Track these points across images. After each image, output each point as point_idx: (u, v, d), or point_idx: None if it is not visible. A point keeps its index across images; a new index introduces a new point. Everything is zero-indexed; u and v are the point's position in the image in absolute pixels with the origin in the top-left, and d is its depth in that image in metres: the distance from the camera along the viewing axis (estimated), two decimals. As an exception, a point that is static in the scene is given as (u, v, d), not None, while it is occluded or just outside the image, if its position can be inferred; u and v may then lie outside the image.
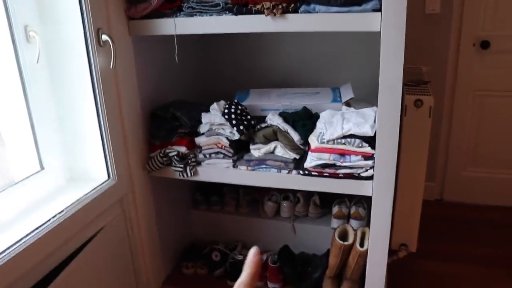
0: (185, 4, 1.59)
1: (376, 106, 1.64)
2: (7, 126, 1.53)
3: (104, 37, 1.53)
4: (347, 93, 1.87)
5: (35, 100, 1.54)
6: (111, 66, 1.55)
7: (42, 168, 1.60)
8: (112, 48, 1.54)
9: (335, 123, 1.62)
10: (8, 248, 1.21)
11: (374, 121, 1.59)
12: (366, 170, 1.57)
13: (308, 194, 2.17)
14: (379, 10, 1.41)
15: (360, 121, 1.60)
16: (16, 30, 1.48)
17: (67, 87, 1.57)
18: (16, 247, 1.22)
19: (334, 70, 2.21)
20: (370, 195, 1.59)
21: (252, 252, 0.47)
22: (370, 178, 1.57)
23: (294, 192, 2.18)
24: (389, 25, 1.41)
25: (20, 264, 1.22)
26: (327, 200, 2.15)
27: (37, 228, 1.31)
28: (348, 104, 1.83)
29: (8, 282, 1.18)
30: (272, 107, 1.85)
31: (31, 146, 1.58)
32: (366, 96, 1.88)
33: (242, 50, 2.31)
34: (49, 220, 1.36)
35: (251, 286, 0.45)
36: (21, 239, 1.25)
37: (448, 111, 2.89)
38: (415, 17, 2.70)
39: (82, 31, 1.50)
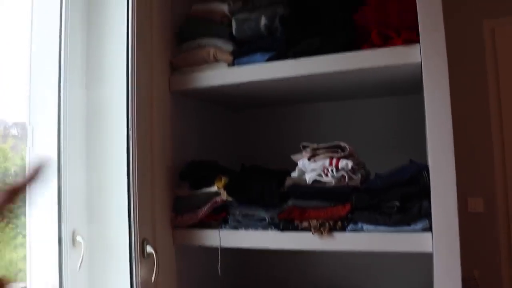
0: (230, 217, 1.59)
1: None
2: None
3: (149, 248, 1.51)
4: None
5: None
6: (152, 281, 1.51)
7: None
8: (155, 261, 1.51)
9: None
10: None
11: None
12: None
13: None
14: (430, 229, 1.38)
15: None
16: (65, 235, 1.49)
17: (105, 298, 1.52)
18: None
19: (381, 276, 2.10)
20: None
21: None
22: None
23: None
24: (441, 247, 1.37)
25: None
26: None
27: None
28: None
29: None
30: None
31: None
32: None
33: (287, 262, 2.24)
34: None
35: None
36: None
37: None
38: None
39: (128, 240, 1.51)
